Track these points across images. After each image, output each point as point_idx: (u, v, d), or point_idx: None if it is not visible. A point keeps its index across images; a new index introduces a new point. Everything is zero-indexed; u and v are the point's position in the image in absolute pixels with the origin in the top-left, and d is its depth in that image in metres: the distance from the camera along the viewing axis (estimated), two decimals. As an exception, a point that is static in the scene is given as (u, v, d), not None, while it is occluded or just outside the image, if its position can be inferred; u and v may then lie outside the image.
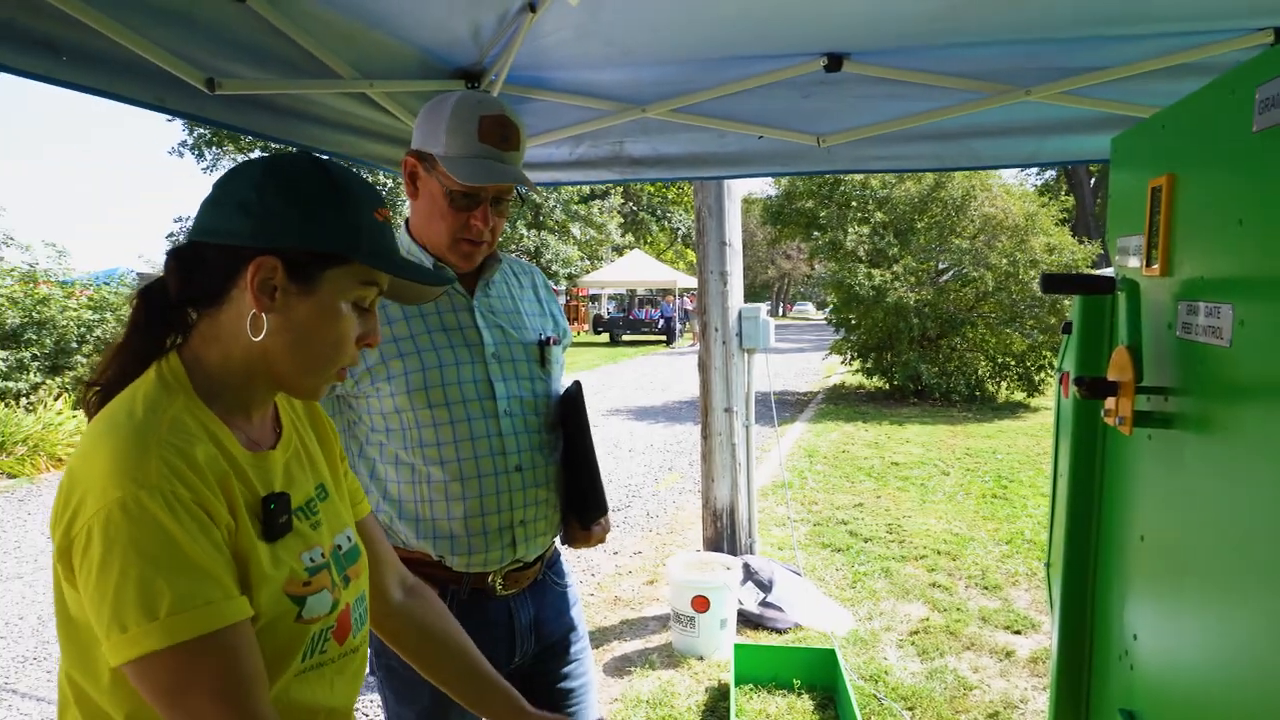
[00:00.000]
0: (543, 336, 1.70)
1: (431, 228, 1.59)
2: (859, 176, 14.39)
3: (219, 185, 0.99)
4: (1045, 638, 4.19)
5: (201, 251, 0.97)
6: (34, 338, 10.15)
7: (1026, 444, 9.41)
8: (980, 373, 12.93)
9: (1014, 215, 12.72)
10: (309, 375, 1.01)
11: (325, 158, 1.01)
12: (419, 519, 1.57)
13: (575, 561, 5.39)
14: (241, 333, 0.96)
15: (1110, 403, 1.37)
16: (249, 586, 0.91)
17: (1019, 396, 12.96)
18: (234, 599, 0.87)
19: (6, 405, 9.18)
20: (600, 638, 4.30)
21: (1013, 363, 12.61)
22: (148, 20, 1.61)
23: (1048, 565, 1.95)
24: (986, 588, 4.90)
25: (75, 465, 0.87)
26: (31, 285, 10.87)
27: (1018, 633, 4.28)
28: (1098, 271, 1.58)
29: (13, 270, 11.12)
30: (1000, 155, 2.76)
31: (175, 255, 0.99)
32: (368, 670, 1.18)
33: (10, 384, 9.57)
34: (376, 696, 1.65)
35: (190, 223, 1.01)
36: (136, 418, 0.89)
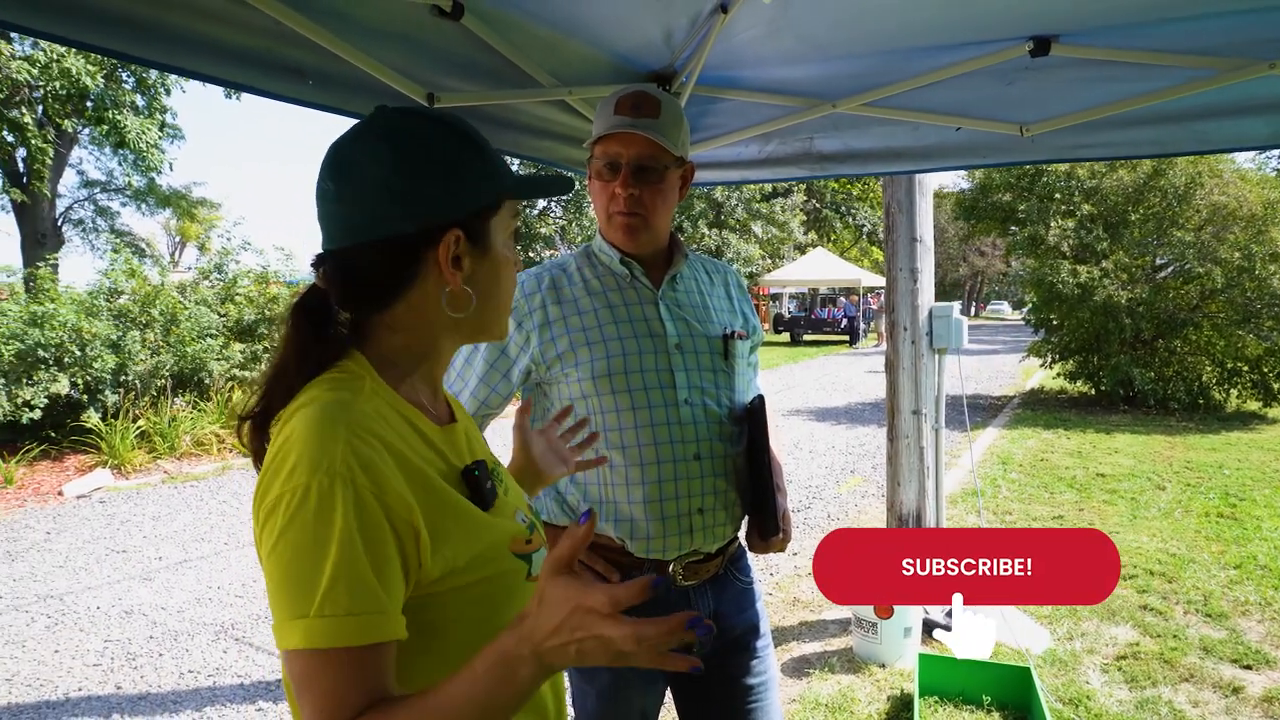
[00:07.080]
0: (728, 330, 1.73)
1: (598, 216, 1.70)
2: (1063, 166, 13.35)
3: (342, 178, 0.92)
4: (1281, 675, 3.76)
5: (360, 253, 0.92)
6: (265, 332, 11.38)
7: (1262, 459, 8.43)
8: (1205, 378, 11.75)
9: (1250, 204, 11.38)
10: (500, 321, 1.05)
11: (425, 107, 0.99)
12: (602, 502, 1.64)
13: (753, 560, 5.39)
14: (430, 313, 0.96)
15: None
16: (470, 561, 0.90)
17: (1253, 406, 11.63)
18: (385, 614, 0.81)
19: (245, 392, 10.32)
20: (778, 638, 4.27)
21: (1245, 368, 11.34)
22: (377, 43, 1.79)
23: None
24: (1209, 615, 4.45)
25: (271, 451, 0.86)
26: (264, 285, 12.19)
27: (1248, 667, 3.85)
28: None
29: (248, 272, 12.47)
30: (1234, 138, 2.48)
31: (334, 260, 0.94)
32: None
33: (246, 373, 10.77)
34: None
35: (327, 226, 0.94)
36: (325, 403, 0.87)
